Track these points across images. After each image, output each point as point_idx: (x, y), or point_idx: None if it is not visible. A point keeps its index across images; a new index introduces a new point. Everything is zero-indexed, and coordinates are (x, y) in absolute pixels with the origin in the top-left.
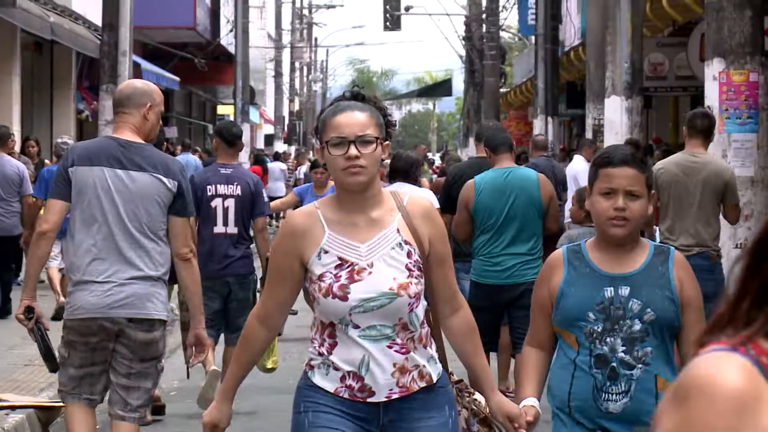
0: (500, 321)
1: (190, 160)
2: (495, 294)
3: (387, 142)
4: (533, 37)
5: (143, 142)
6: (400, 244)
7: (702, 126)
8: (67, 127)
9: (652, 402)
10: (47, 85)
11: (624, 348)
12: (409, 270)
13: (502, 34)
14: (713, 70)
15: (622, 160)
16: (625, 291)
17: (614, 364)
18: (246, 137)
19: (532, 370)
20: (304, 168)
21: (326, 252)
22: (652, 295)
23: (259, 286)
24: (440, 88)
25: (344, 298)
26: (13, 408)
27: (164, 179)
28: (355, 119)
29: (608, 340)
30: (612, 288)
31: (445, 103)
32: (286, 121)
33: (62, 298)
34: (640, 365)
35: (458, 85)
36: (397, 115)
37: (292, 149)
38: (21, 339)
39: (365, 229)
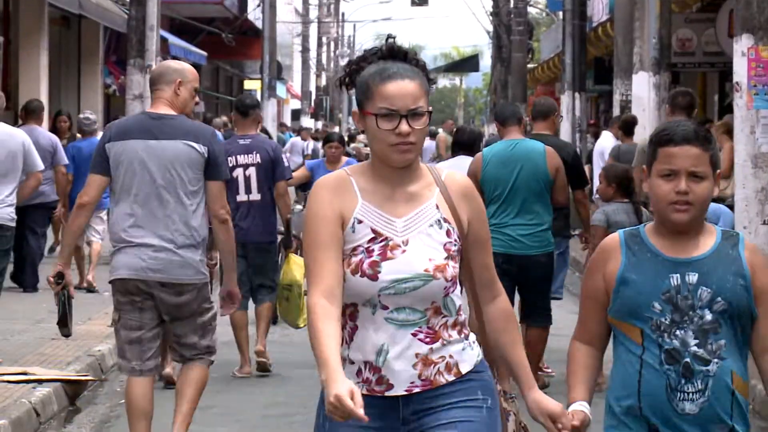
0: (511, 292)
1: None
2: (504, 263)
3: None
4: (561, 13)
5: (175, 113)
6: (439, 221)
7: (684, 103)
8: (95, 101)
9: (729, 401)
10: (75, 59)
11: (696, 341)
12: (447, 251)
13: (530, 9)
14: (742, 46)
15: (684, 137)
16: (692, 278)
17: (687, 360)
18: (273, 112)
19: (582, 370)
20: (311, 144)
21: (360, 222)
22: (723, 282)
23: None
24: (467, 64)
25: (374, 277)
26: (40, 382)
27: (195, 145)
28: (407, 89)
29: (678, 333)
30: (678, 275)
31: (472, 78)
32: (313, 96)
33: (90, 276)
34: (715, 360)
35: (485, 61)
36: None
37: (319, 124)
38: (48, 313)
39: (402, 203)
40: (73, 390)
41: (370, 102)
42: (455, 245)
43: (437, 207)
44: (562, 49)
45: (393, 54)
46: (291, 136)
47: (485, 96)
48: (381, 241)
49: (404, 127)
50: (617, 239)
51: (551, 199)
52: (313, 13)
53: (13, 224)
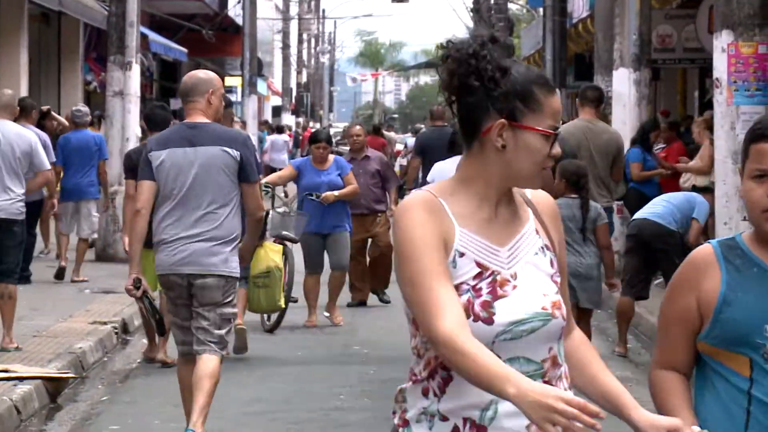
0: None
1: None
2: None
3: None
4: (541, 9)
5: (209, 121)
6: (543, 248)
7: (593, 96)
8: (75, 98)
9: None
10: (55, 56)
11: None
12: (555, 283)
13: (510, 5)
14: (722, 42)
15: None
16: None
17: None
18: (253, 109)
19: (681, 398)
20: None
21: (461, 255)
22: None
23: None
24: None
25: (489, 321)
26: (21, 379)
27: (228, 150)
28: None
29: None
30: None
31: None
32: (294, 93)
33: (63, 263)
34: None
35: None
36: (404, 87)
37: (300, 120)
38: (30, 310)
39: (502, 228)
40: (54, 387)
41: (536, 116)
42: (559, 277)
43: (537, 232)
44: (542, 45)
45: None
46: (267, 134)
47: None
48: (488, 277)
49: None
50: (711, 252)
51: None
52: (294, 10)
53: (23, 218)
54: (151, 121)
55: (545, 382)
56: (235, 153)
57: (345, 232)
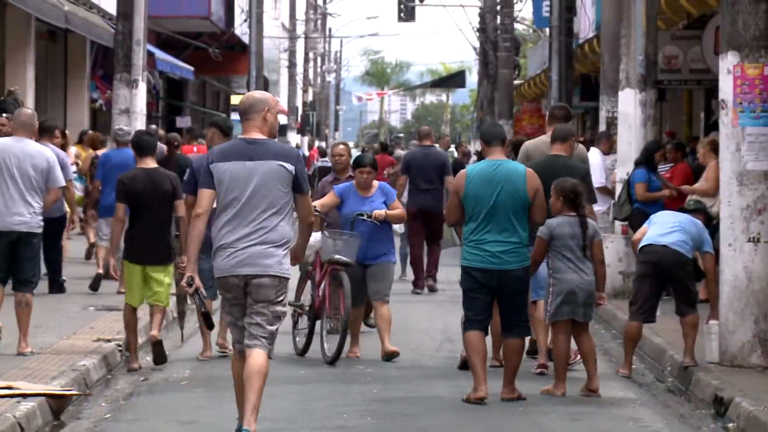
0: (490, 304)
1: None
2: (482, 278)
3: None
4: (547, 29)
5: (266, 137)
6: None
7: (560, 114)
8: (81, 116)
9: None
10: (61, 73)
11: None
12: None
13: (517, 25)
14: (727, 64)
15: None
16: None
17: None
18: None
19: None
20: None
21: None
22: None
23: None
24: (454, 80)
25: None
26: (24, 396)
27: (285, 164)
28: None
29: None
30: None
31: (459, 95)
32: (300, 112)
33: (101, 270)
34: None
35: (473, 77)
36: (410, 106)
37: (305, 140)
38: (34, 327)
39: None
40: (58, 404)
41: None
42: None
43: None
44: (548, 65)
45: None
46: None
47: (472, 112)
48: None
49: None
50: None
51: (528, 218)
52: (300, 29)
53: (41, 231)
54: (140, 147)
55: None
56: (291, 167)
57: (390, 263)
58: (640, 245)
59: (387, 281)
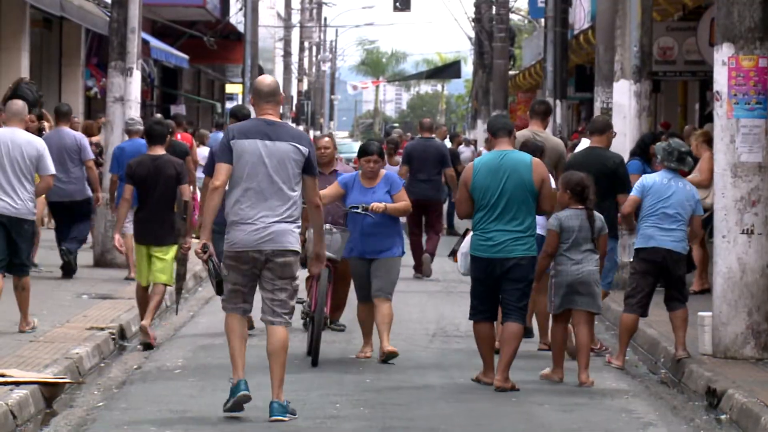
0: (495, 293)
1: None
2: (488, 267)
3: None
4: (543, 20)
5: (281, 120)
6: None
7: (539, 110)
8: (76, 103)
9: None
10: (56, 61)
11: None
12: None
13: (512, 16)
14: (722, 55)
15: None
16: None
17: None
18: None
19: None
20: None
21: None
22: None
23: None
24: (449, 70)
25: None
26: (17, 384)
27: (299, 146)
28: None
29: None
30: None
31: (454, 85)
32: (295, 101)
33: (133, 275)
34: None
35: (469, 67)
36: (405, 96)
37: (300, 128)
38: (29, 316)
39: None
40: (50, 392)
41: None
42: None
43: None
44: (543, 56)
45: None
46: None
47: (467, 102)
48: None
49: None
50: None
51: (537, 207)
52: (296, 18)
53: (33, 218)
54: (150, 136)
55: None
56: (305, 150)
57: (395, 258)
58: (641, 245)
59: (390, 277)
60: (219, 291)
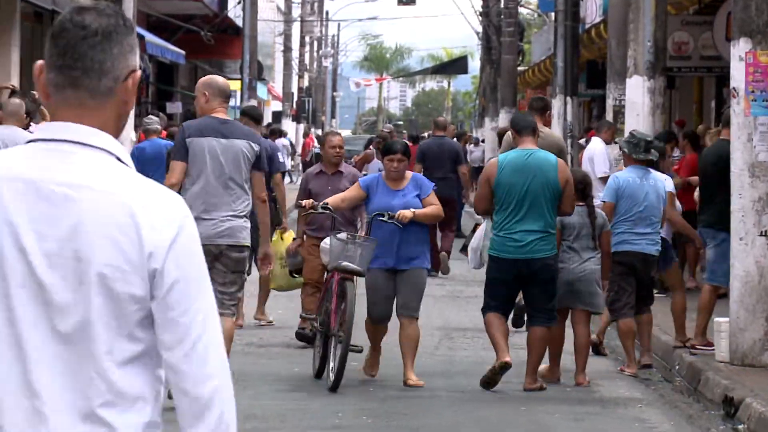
0: (514, 296)
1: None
2: (513, 267)
3: None
4: (553, 14)
5: (232, 119)
6: None
7: (538, 106)
8: None
9: None
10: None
11: None
12: None
13: (521, 10)
14: (739, 51)
15: None
16: None
17: None
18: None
19: None
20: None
21: None
22: None
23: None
24: (455, 66)
25: None
26: None
27: (252, 144)
28: None
29: None
30: None
31: (460, 81)
32: (295, 98)
33: None
34: None
35: (475, 63)
36: (410, 93)
37: (301, 127)
38: None
39: None
40: None
41: None
42: None
43: None
44: (553, 51)
45: None
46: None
47: (474, 99)
48: None
49: None
50: None
51: (558, 208)
52: (296, 12)
53: None
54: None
55: None
56: (256, 147)
57: (422, 270)
58: (616, 249)
59: (417, 292)
60: None
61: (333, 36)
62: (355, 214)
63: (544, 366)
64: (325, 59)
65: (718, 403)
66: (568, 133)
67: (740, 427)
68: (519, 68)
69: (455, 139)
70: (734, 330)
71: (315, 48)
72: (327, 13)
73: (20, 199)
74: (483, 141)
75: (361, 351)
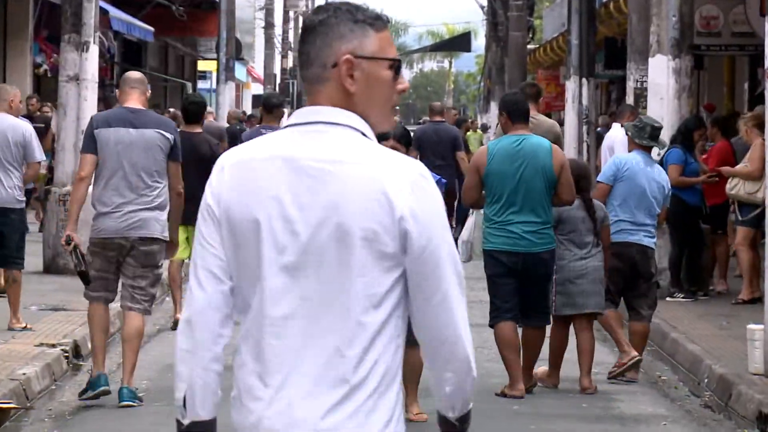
0: (517, 289)
1: None
2: (508, 261)
3: None
4: None
5: (145, 108)
6: None
7: (531, 92)
8: (23, 83)
9: None
10: (0, 34)
11: None
12: None
13: None
14: None
15: None
16: None
17: None
18: (230, 97)
19: None
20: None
21: None
22: None
23: None
24: (458, 43)
25: None
26: None
27: (164, 133)
28: None
29: None
30: None
31: (463, 61)
32: (278, 80)
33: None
34: None
35: (479, 41)
36: (407, 74)
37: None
38: None
39: None
40: None
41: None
42: None
43: None
44: (567, 27)
45: None
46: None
47: (478, 82)
48: None
49: None
50: None
51: (555, 197)
52: None
53: (22, 207)
54: (189, 114)
55: None
56: (170, 136)
57: None
58: (616, 238)
59: None
60: (85, 282)
61: None
62: None
63: (542, 369)
64: None
65: (752, 420)
66: (584, 118)
67: None
68: (529, 46)
69: (456, 125)
70: None
71: (300, 24)
72: None
73: (281, 174)
74: (489, 127)
75: None
